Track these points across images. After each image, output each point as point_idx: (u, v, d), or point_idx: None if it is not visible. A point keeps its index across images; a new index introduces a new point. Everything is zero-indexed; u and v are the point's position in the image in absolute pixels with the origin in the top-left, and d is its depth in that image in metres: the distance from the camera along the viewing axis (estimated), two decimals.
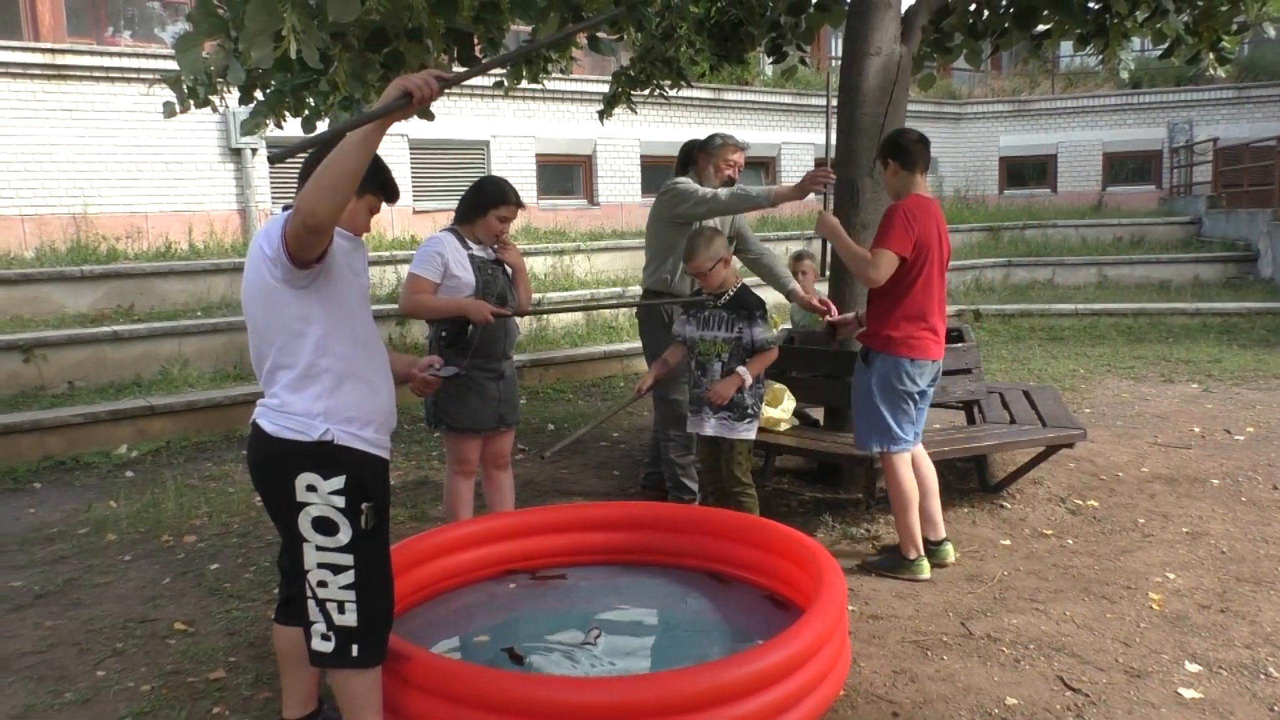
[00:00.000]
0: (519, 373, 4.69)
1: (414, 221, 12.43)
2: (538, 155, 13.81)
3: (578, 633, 3.46)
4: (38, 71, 9.94)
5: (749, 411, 4.25)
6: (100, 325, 7.98)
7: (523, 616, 3.67)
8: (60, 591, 4.44)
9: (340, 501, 2.54)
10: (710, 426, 4.26)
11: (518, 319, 4.49)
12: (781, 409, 5.32)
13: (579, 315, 10.09)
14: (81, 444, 6.69)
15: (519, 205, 4.23)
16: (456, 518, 4.37)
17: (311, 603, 2.58)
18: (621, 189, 14.55)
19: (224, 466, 6.41)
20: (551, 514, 4.14)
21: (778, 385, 5.41)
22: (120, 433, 6.88)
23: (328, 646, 2.59)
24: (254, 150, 11.21)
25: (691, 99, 14.62)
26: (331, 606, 2.57)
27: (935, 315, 4.18)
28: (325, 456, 2.55)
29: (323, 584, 2.56)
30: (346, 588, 2.56)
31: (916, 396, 4.20)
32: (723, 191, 4.91)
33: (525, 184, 13.28)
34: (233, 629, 3.99)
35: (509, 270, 4.32)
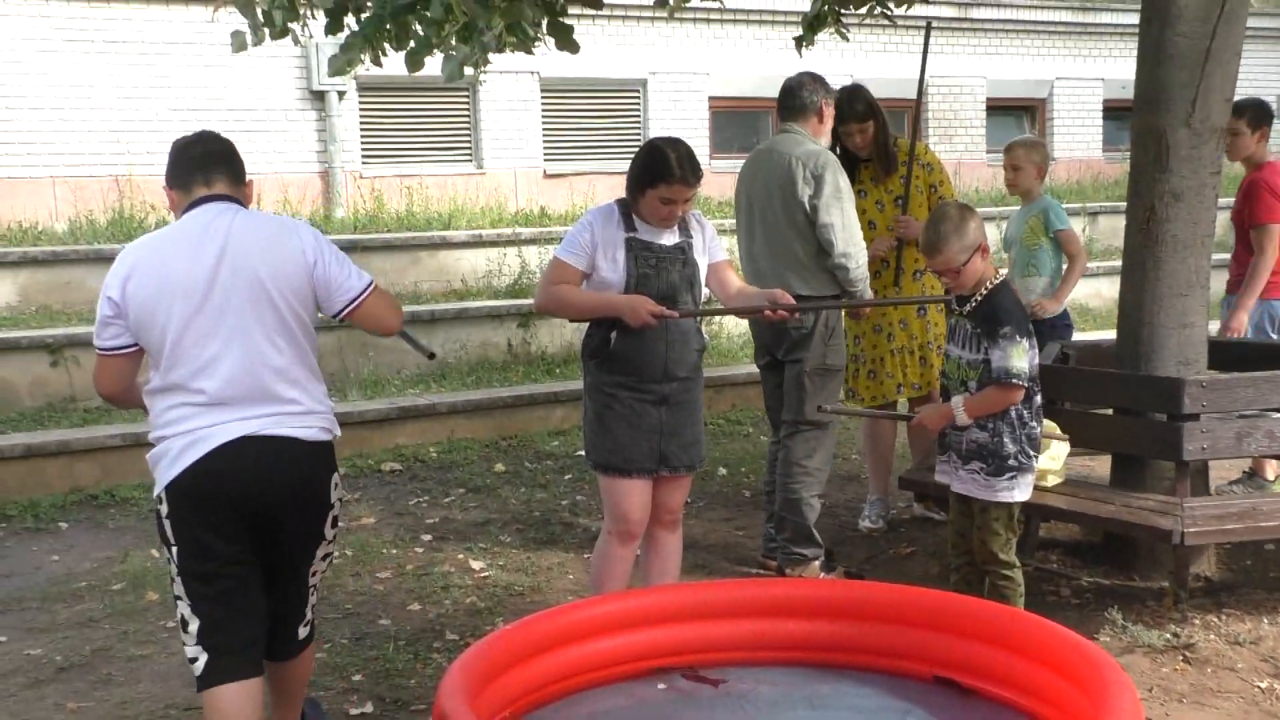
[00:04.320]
0: None
1: (545, 188, 12.72)
2: (711, 99, 13.91)
3: None
4: None
5: (1011, 463, 4.14)
6: None
7: None
8: (87, 664, 4.74)
9: (342, 495, 3.66)
10: (959, 480, 4.22)
11: (701, 326, 4.52)
12: (1049, 456, 5.18)
13: None
14: (118, 473, 7.13)
15: (687, 183, 4.23)
16: (602, 592, 4.43)
17: (311, 595, 3.66)
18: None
19: None
20: (723, 591, 4.12)
21: (1045, 422, 5.26)
22: None
23: (305, 632, 3.68)
24: (341, 94, 11.72)
25: (924, 19, 14.38)
26: (314, 594, 3.69)
27: None
28: (334, 453, 3.57)
29: (314, 573, 3.65)
30: (323, 574, 3.75)
31: None
32: (862, 267, 5.37)
33: (695, 137, 13.37)
34: None
35: (696, 260, 4.37)
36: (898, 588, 4.19)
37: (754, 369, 6.58)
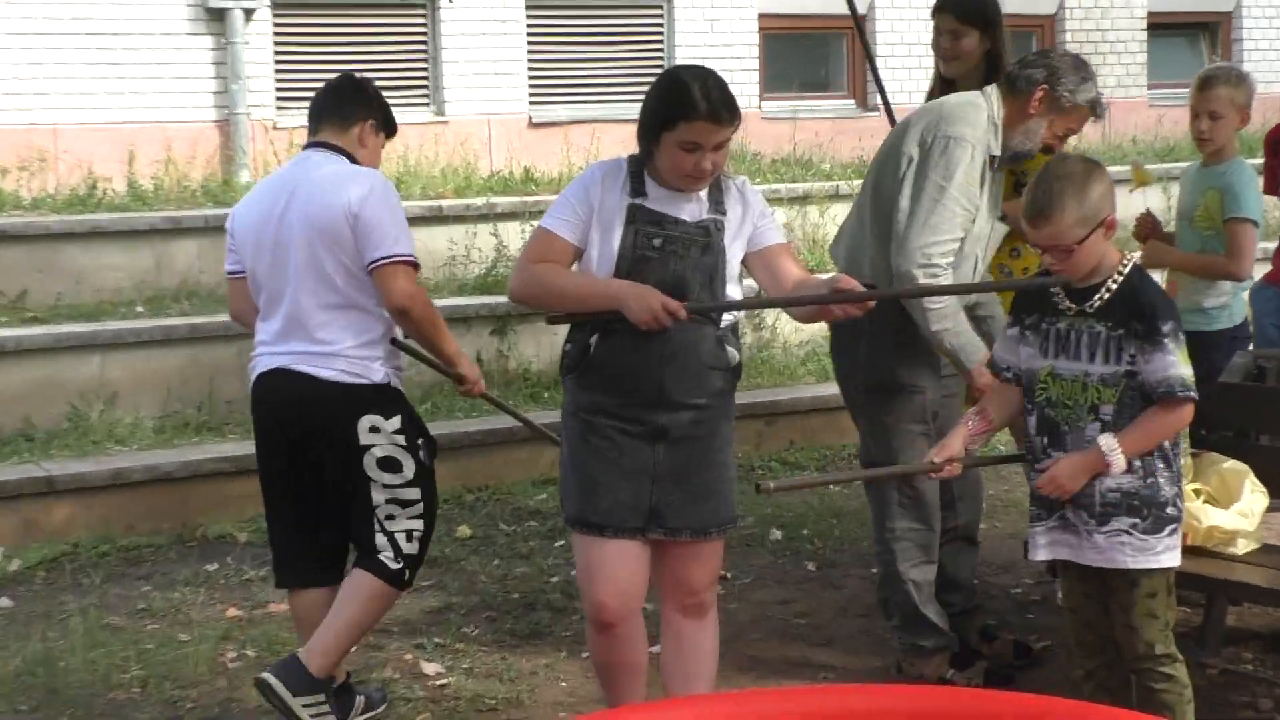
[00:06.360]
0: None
1: (530, 141, 12.73)
2: (761, 18, 13.93)
3: None
4: None
5: (1170, 512, 4.14)
6: None
7: None
8: None
9: (402, 440, 4.90)
10: (1094, 547, 4.16)
11: (734, 336, 4.47)
12: (1240, 511, 5.11)
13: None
14: None
15: (718, 119, 4.18)
16: (612, 702, 4.46)
17: (380, 536, 4.90)
18: (919, 83, 14.45)
19: (174, 592, 6.65)
20: (775, 703, 4.05)
21: (1229, 464, 5.18)
22: None
23: (398, 567, 4.92)
24: (248, 12, 11.70)
25: None
26: (400, 537, 4.92)
27: None
28: (385, 398, 4.90)
29: (391, 518, 4.92)
30: (415, 518, 4.97)
31: None
32: (951, 313, 4.99)
33: (739, 71, 13.38)
34: None
35: (724, 246, 4.31)
36: (1028, 698, 4.11)
37: (819, 391, 6.51)
